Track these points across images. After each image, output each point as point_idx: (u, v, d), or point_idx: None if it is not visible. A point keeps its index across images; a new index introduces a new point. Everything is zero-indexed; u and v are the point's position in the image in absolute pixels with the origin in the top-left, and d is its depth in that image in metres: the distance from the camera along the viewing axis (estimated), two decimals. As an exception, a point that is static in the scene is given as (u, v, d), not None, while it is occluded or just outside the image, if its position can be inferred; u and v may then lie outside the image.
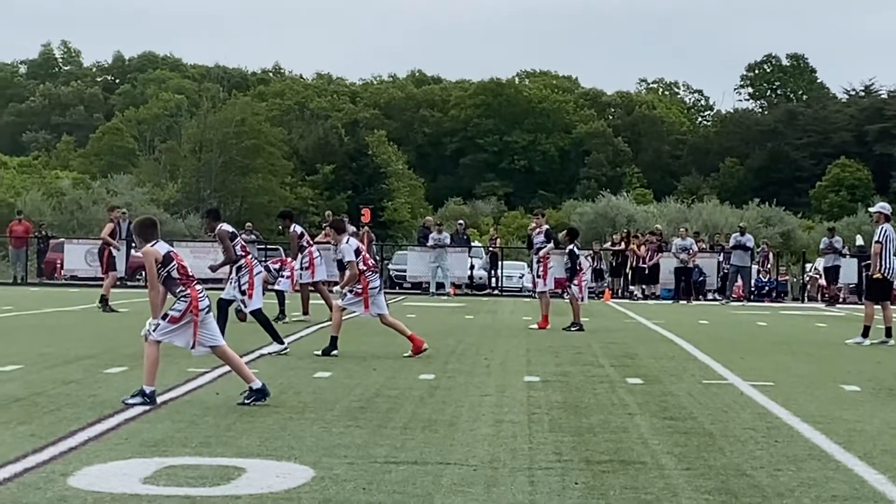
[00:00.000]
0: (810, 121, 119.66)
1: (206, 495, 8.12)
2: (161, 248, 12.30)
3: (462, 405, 12.69)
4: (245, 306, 18.78)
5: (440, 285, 44.94)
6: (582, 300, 26.11)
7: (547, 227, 26.37)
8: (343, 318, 18.43)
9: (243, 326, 21.58)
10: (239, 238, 19.38)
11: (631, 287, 45.96)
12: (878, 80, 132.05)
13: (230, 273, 18.93)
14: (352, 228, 30.97)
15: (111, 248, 29.72)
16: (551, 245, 25.88)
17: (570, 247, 25.86)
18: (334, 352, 17.81)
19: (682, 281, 44.21)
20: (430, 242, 46.01)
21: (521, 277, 52.53)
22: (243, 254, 18.76)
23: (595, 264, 46.60)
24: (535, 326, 25.38)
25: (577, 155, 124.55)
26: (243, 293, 18.42)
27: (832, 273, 43.98)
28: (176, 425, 10.96)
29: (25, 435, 10.30)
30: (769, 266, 49.43)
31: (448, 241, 46.28)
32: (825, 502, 8.31)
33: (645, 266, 45.56)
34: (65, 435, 10.32)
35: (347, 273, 18.32)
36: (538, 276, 26.04)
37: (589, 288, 33.80)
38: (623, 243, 47.21)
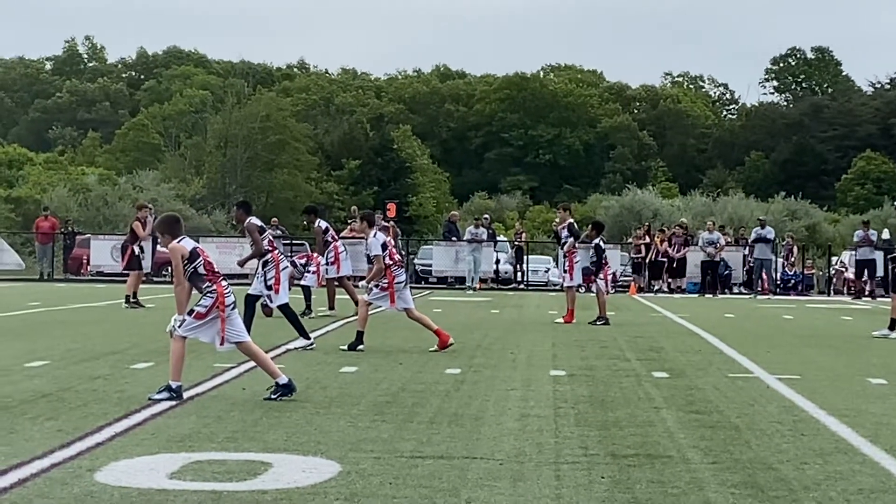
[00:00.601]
0: (835, 114, 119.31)
1: (232, 490, 8.13)
2: (187, 244, 12.31)
3: (488, 399, 12.69)
4: (271, 301, 18.81)
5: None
6: (607, 293, 26.06)
7: (571, 221, 26.23)
8: (369, 312, 18.46)
9: (269, 321, 21.63)
10: (267, 233, 19.41)
11: (652, 281, 45.82)
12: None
13: (257, 268, 18.97)
14: (383, 223, 30.95)
15: (134, 245, 29.52)
16: (573, 240, 25.74)
17: (597, 240, 25.82)
18: (360, 346, 17.82)
19: (709, 274, 44.15)
20: (468, 236, 46.02)
21: (546, 271, 52.45)
22: (270, 248, 18.77)
23: (636, 257, 46.56)
24: (561, 320, 25.34)
25: (602, 149, 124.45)
26: (269, 288, 18.44)
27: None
28: (202, 420, 10.99)
29: (52, 430, 10.34)
30: (794, 259, 49.25)
31: (485, 236, 46.16)
32: (852, 495, 8.28)
33: (665, 260, 45.42)
34: (91, 430, 10.36)
35: (374, 267, 18.33)
36: (564, 271, 26.00)
37: (614, 282, 33.66)
38: (647, 237, 47.12)
